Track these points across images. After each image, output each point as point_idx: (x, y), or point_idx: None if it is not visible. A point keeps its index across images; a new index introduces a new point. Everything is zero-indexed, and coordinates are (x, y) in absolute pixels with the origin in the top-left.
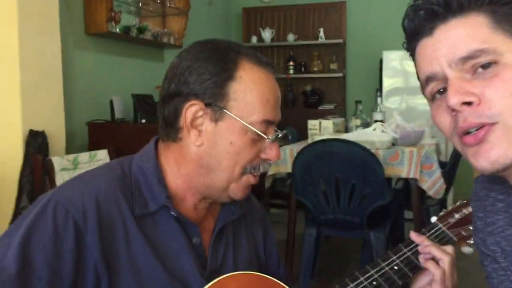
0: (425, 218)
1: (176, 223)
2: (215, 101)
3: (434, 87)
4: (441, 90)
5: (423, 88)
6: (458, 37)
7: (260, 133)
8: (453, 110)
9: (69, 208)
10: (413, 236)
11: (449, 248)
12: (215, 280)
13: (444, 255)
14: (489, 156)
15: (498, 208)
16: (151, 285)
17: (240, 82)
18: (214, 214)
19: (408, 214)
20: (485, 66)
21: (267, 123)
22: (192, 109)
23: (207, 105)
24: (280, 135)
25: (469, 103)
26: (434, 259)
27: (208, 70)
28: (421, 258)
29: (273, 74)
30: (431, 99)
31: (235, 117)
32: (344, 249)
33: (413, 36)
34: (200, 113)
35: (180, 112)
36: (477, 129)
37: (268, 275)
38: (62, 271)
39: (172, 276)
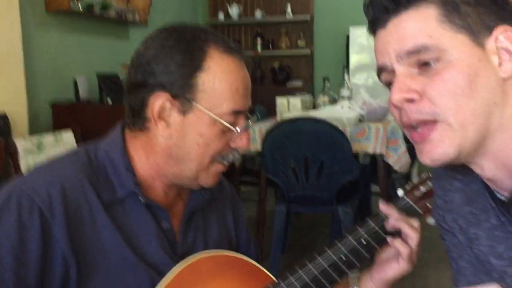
0: (392, 192)
1: (146, 208)
2: (183, 92)
3: (386, 77)
4: (391, 82)
5: (378, 75)
6: (407, 30)
7: (229, 126)
8: (396, 106)
9: (34, 197)
10: (383, 207)
11: (416, 223)
12: (187, 263)
13: (413, 232)
14: (431, 155)
15: (456, 187)
16: (122, 271)
17: (209, 72)
18: (184, 198)
19: (375, 188)
20: (428, 63)
21: (237, 112)
22: (159, 101)
23: (175, 97)
24: (250, 123)
25: (411, 100)
26: (401, 235)
27: (175, 61)
28: (389, 238)
29: (242, 61)
30: (387, 86)
31: (204, 109)
32: (314, 224)
33: (371, 26)
34: (168, 105)
35: (147, 103)
36: (422, 126)
37: (238, 251)
38: (28, 260)
39: (143, 261)
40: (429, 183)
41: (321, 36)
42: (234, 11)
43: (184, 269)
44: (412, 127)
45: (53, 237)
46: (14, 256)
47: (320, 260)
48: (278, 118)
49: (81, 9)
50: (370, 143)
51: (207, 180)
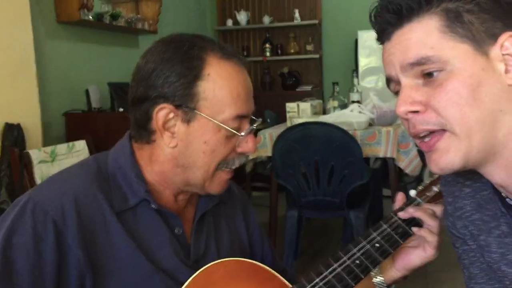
0: None
1: (157, 215)
2: (185, 102)
3: (394, 87)
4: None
5: (387, 85)
6: (410, 42)
7: (233, 131)
8: (402, 117)
9: (47, 209)
10: (402, 214)
11: (438, 208)
12: (201, 269)
13: (433, 220)
14: (438, 164)
15: (465, 193)
16: (136, 278)
17: (208, 79)
18: (194, 203)
19: (386, 192)
20: (431, 74)
21: (241, 117)
22: (162, 113)
23: (177, 107)
24: (255, 127)
25: (415, 111)
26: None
27: (174, 72)
28: (415, 229)
29: (241, 66)
30: (395, 95)
31: (207, 116)
32: (325, 229)
33: (378, 38)
34: (171, 115)
35: (151, 116)
36: (429, 135)
37: (254, 255)
38: (45, 272)
39: (157, 267)
40: None
41: (330, 41)
42: (242, 17)
43: (198, 276)
44: (420, 137)
45: (68, 247)
46: (31, 267)
47: (336, 265)
48: (288, 123)
49: (91, 19)
50: (380, 147)
51: (215, 188)
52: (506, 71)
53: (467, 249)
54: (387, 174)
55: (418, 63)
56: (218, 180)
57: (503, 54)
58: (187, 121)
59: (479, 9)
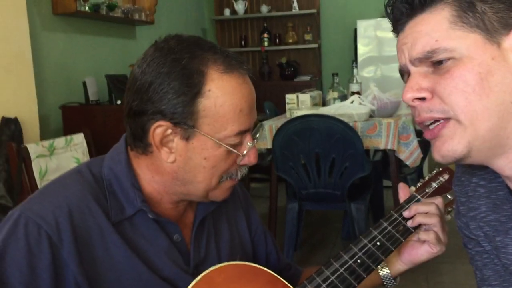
0: None
1: (155, 223)
2: (184, 120)
3: (406, 78)
4: None
5: (401, 76)
6: (420, 34)
7: (235, 151)
8: (409, 104)
9: (41, 223)
10: (406, 214)
11: (431, 207)
12: (202, 275)
13: (429, 219)
14: (440, 151)
15: (480, 194)
16: None
17: (210, 96)
18: (193, 207)
19: (387, 182)
20: (440, 62)
21: (243, 132)
22: (159, 130)
23: (176, 124)
24: (256, 140)
25: (422, 98)
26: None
27: (173, 88)
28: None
29: (245, 76)
30: None
31: (207, 134)
32: (325, 221)
33: (393, 29)
34: (169, 132)
35: (148, 130)
36: (434, 123)
37: (257, 253)
38: None
39: (156, 276)
40: (441, 178)
41: (328, 30)
42: (240, 6)
43: (199, 283)
44: (426, 125)
45: (63, 262)
46: (25, 285)
47: (337, 266)
48: (288, 115)
49: (87, 10)
50: (381, 139)
51: (219, 195)
52: None
53: (481, 250)
54: (387, 165)
55: (425, 57)
56: (223, 189)
57: None
58: (186, 138)
59: None
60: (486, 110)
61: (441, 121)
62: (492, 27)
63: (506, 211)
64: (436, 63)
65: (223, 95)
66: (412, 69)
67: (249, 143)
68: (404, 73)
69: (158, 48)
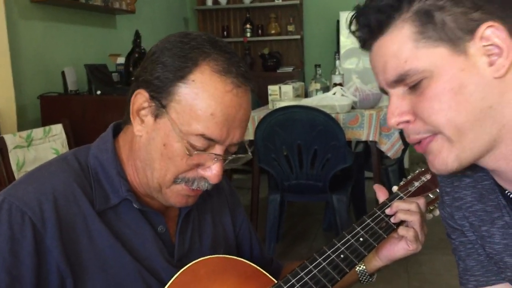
0: (384, 178)
1: (140, 213)
2: (159, 97)
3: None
4: None
5: (380, 90)
6: (387, 57)
7: (190, 148)
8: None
9: (24, 209)
10: (388, 211)
11: (413, 205)
12: (186, 267)
13: (411, 216)
14: (433, 165)
15: (466, 184)
16: (120, 277)
17: (189, 85)
18: None
19: (368, 173)
20: (414, 85)
21: (210, 140)
22: (138, 98)
23: (152, 98)
24: (226, 159)
25: (406, 122)
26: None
27: (163, 63)
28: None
29: (238, 89)
30: None
31: (172, 120)
32: (307, 212)
33: (362, 48)
34: (146, 104)
35: (131, 96)
36: (423, 140)
37: (241, 248)
38: (22, 276)
39: (140, 265)
40: (423, 178)
41: (311, 21)
42: None
43: (182, 274)
44: (416, 143)
45: (47, 249)
46: (7, 271)
47: (320, 260)
48: (270, 106)
49: None
50: (363, 130)
51: (170, 198)
52: (490, 64)
53: (465, 240)
54: (369, 157)
55: (399, 80)
56: (176, 192)
57: (484, 46)
58: (155, 115)
59: (451, 3)
60: (468, 122)
61: (428, 137)
62: (455, 36)
63: (492, 201)
64: (410, 86)
65: (203, 91)
66: (390, 91)
67: (214, 158)
68: (384, 91)
69: (181, 32)
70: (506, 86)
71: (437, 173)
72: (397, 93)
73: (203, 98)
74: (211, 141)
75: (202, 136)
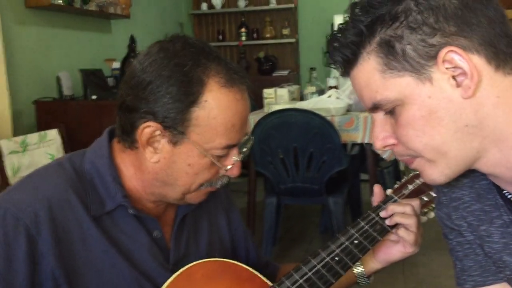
0: (380, 179)
1: (135, 219)
2: (175, 125)
3: None
4: None
5: None
6: (360, 86)
7: (219, 164)
8: None
9: (19, 215)
10: (383, 214)
11: (407, 208)
12: (181, 270)
13: (407, 219)
14: (423, 177)
15: (463, 184)
16: (115, 283)
17: (205, 106)
18: (174, 205)
19: (364, 175)
20: (390, 111)
21: (230, 146)
22: (148, 130)
23: (166, 128)
24: (242, 156)
25: (390, 145)
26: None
27: (170, 93)
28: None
29: (243, 92)
30: None
31: (194, 142)
32: (303, 215)
33: (342, 76)
34: (158, 133)
35: (137, 128)
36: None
37: (237, 251)
38: (17, 282)
39: (136, 271)
40: (417, 181)
41: (306, 25)
42: (217, 1)
43: (178, 278)
44: None
45: (41, 254)
46: (1, 277)
47: (315, 262)
48: (266, 109)
49: (61, 3)
50: (358, 133)
51: (195, 199)
52: (458, 85)
53: (462, 241)
54: (364, 159)
55: (374, 107)
56: (199, 193)
57: (447, 68)
58: (174, 142)
59: (409, 31)
60: (445, 143)
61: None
62: (418, 64)
63: (490, 200)
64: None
65: (218, 108)
66: (373, 115)
67: (234, 157)
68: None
69: (163, 48)
70: (478, 103)
71: (430, 184)
72: (379, 117)
73: (220, 114)
74: (232, 147)
75: (226, 146)
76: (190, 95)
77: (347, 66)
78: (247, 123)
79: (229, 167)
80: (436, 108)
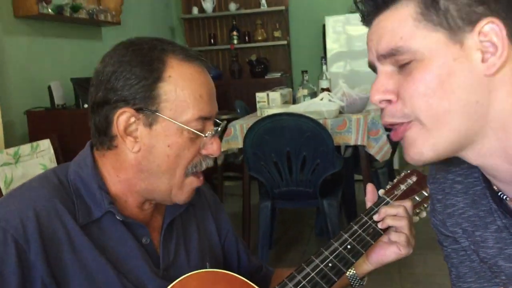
0: (374, 180)
1: (123, 226)
2: (146, 105)
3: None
4: None
5: (371, 69)
6: (384, 31)
7: (197, 132)
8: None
9: (6, 227)
10: (377, 217)
11: (400, 209)
12: (174, 283)
13: (398, 221)
14: (408, 154)
15: (457, 190)
16: None
17: (170, 81)
18: (161, 210)
19: (358, 176)
20: (404, 64)
21: (203, 119)
22: (123, 117)
23: (138, 110)
24: (219, 129)
25: (388, 101)
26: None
27: (135, 74)
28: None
29: (203, 68)
30: None
31: (169, 118)
32: (298, 218)
33: (363, 23)
34: (133, 120)
35: (112, 121)
36: (397, 126)
37: (228, 255)
38: None
39: (126, 279)
40: (409, 180)
41: (297, 27)
42: (208, 5)
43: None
44: (390, 128)
45: (31, 264)
46: None
47: (309, 270)
48: (259, 113)
49: (51, 12)
50: (351, 135)
51: (181, 196)
52: (483, 60)
53: (457, 247)
54: (358, 160)
55: (390, 54)
56: (187, 188)
57: (481, 41)
58: (149, 124)
59: None
60: (448, 113)
61: (403, 124)
62: (455, 24)
63: (485, 206)
64: (400, 64)
65: (183, 80)
66: (379, 67)
67: (210, 132)
68: (373, 68)
69: (120, 44)
70: (495, 85)
71: (411, 163)
72: (385, 70)
73: (186, 86)
74: (205, 120)
75: (200, 118)
76: (153, 72)
77: (380, 6)
78: (215, 99)
79: (207, 134)
80: (457, 73)
